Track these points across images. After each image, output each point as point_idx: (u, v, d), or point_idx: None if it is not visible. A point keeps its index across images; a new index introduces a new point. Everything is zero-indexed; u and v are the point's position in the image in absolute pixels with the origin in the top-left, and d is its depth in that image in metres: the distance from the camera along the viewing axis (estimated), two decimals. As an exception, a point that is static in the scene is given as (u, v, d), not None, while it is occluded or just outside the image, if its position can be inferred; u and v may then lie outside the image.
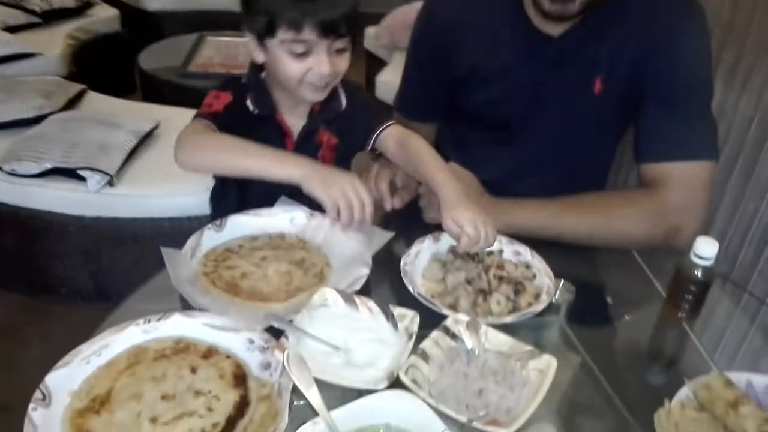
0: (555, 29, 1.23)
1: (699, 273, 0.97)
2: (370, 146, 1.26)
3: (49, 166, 2.00)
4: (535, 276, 1.06)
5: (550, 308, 1.03)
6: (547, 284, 1.03)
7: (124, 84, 3.19)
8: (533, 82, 1.27)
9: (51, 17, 3.24)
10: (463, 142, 1.34)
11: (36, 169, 2.00)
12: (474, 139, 1.22)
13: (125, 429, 0.78)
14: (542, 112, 1.27)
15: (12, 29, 2.98)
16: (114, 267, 2.13)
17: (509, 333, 0.92)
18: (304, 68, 1.12)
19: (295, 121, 1.26)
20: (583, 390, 0.95)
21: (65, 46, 3.01)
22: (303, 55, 1.11)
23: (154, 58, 3.02)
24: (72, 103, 2.44)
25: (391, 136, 1.24)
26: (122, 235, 2.07)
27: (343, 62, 1.16)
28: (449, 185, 1.09)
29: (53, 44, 2.94)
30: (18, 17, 3.09)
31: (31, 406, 0.78)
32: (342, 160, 1.30)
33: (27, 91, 2.31)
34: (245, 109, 1.22)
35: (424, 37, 1.39)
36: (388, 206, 1.24)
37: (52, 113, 2.27)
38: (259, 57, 1.18)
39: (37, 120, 2.23)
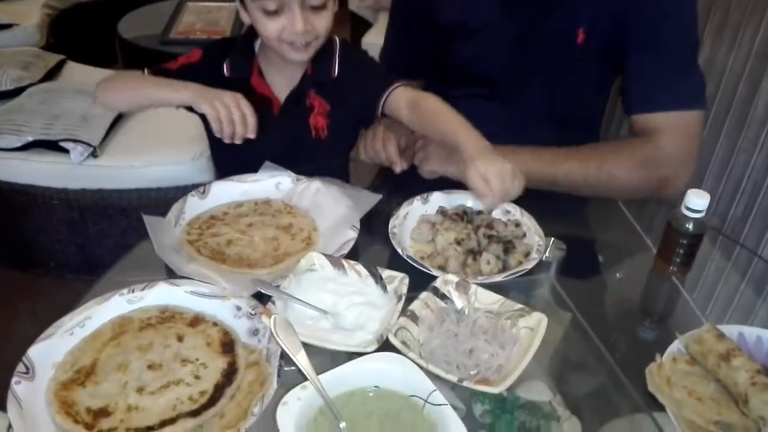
0: None
1: (690, 226, 0.96)
2: (379, 113, 1.21)
3: (30, 138, 1.96)
4: (524, 234, 1.04)
5: (541, 266, 1.02)
6: (537, 242, 1.01)
7: (104, 53, 3.11)
8: (516, 34, 1.24)
9: (26, -14, 3.13)
10: (450, 101, 1.32)
11: (17, 143, 1.96)
12: (461, 97, 1.19)
13: (111, 400, 0.77)
14: (527, 65, 1.25)
15: (-14, 0, 2.90)
16: (101, 239, 2.10)
17: (500, 292, 0.91)
18: (279, 27, 1.10)
19: (283, 85, 1.23)
20: (575, 347, 0.94)
21: (42, 16, 2.92)
22: (276, 13, 1.09)
23: (133, 25, 2.93)
24: (51, 74, 2.37)
25: (402, 98, 1.18)
26: (108, 206, 2.04)
27: (321, 20, 1.12)
28: (473, 138, 1.03)
29: (30, 14, 2.85)
30: (-9, -13, 3.00)
31: (14, 379, 0.77)
32: (339, 126, 1.26)
33: (4, 63, 2.24)
34: (216, 71, 1.20)
35: None
36: (398, 168, 1.21)
37: (30, 85, 2.22)
38: (245, 17, 1.15)
39: (16, 92, 2.17)
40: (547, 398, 0.81)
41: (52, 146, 1.96)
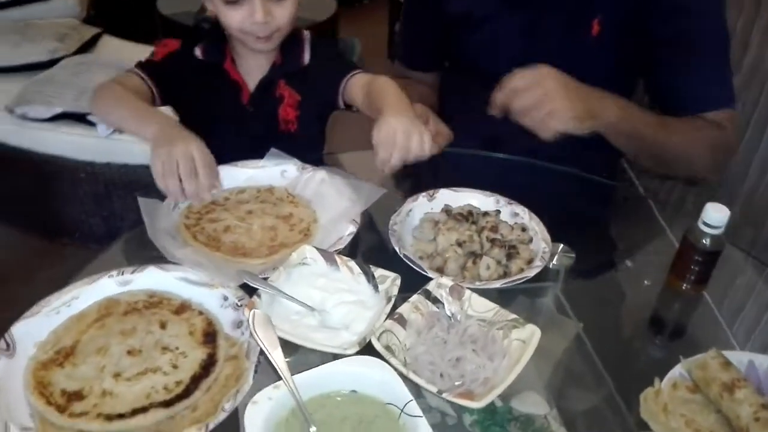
0: None
1: (707, 241, 0.90)
2: (341, 102, 1.21)
3: (59, 110, 1.98)
4: (531, 240, 0.99)
5: (548, 274, 0.97)
6: (542, 249, 0.96)
7: (144, 28, 3.14)
8: (527, 22, 1.19)
9: (72, -42, 3.17)
10: (465, 94, 1.27)
11: (46, 113, 1.98)
12: (475, 90, 1.15)
13: (86, 383, 0.76)
14: (539, 56, 1.20)
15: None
16: (125, 213, 2.12)
17: (499, 300, 0.87)
18: (240, 17, 1.08)
19: (253, 73, 1.21)
20: (577, 361, 0.90)
21: (84, -12, 2.95)
22: (235, 4, 1.07)
23: (173, 2, 2.96)
24: (86, 47, 2.39)
25: (357, 84, 1.16)
26: (132, 181, 2.05)
27: (282, 10, 1.10)
28: (395, 106, 1.00)
29: (72, -15, 2.88)
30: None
31: (-8, 356, 0.77)
32: (309, 118, 1.24)
33: (41, 34, 2.27)
34: (191, 57, 1.19)
35: None
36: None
37: (65, 56, 2.24)
38: (209, 5, 1.13)
39: (50, 63, 2.20)
40: (543, 412, 0.77)
41: (81, 119, 1.98)
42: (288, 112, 1.22)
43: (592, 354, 0.88)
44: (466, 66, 1.29)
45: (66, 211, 2.18)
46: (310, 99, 1.22)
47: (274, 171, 1.13)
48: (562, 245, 1.00)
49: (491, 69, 1.25)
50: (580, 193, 1.13)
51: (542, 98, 1.01)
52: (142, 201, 0.98)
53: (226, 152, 1.11)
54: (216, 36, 1.19)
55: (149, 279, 0.91)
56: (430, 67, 1.39)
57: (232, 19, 1.09)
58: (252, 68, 1.21)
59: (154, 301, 0.88)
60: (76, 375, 0.77)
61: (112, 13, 3.05)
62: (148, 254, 0.94)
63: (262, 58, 1.20)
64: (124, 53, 2.42)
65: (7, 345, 0.79)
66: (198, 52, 1.19)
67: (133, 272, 0.91)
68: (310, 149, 1.25)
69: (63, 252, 2.19)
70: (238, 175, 1.11)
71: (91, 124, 1.96)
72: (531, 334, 0.80)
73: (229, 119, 1.15)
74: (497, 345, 0.80)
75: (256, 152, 1.14)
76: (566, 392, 0.85)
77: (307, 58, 1.21)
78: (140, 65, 1.19)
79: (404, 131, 0.94)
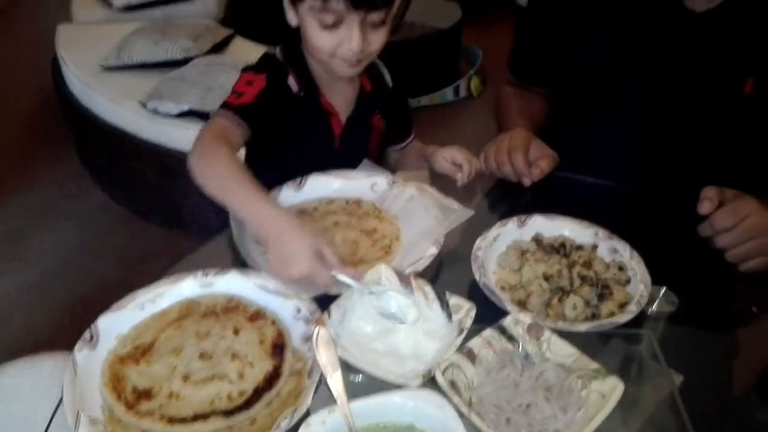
0: (698, 1, 1.03)
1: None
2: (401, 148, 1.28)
3: (186, 107, 2.10)
4: (628, 281, 0.90)
5: (644, 319, 0.88)
6: (640, 292, 0.87)
7: (275, 31, 3.26)
8: (666, 61, 1.10)
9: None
10: (580, 120, 1.20)
11: (175, 110, 2.11)
12: (591, 119, 1.08)
13: (157, 383, 0.78)
14: (674, 98, 1.10)
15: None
16: (237, 210, 2.22)
17: (583, 344, 0.80)
18: (335, 41, 1.01)
19: (338, 101, 1.15)
20: (668, 425, 0.80)
21: (223, -10, 3.12)
22: (333, 27, 1.00)
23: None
24: (218, 47, 2.53)
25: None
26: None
27: (379, 38, 1.04)
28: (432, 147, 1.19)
29: (212, -13, 3.05)
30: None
31: (77, 345, 0.81)
32: (383, 146, 1.24)
33: (177, 33, 2.42)
34: (286, 90, 1.11)
35: None
36: (527, 181, 1.13)
37: (197, 56, 2.37)
38: (292, 19, 1.06)
39: (184, 62, 2.34)
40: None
41: (205, 117, 2.08)
42: (374, 141, 1.20)
43: (686, 415, 0.78)
44: (588, 90, 1.22)
45: (187, 204, 2.31)
46: (389, 126, 1.21)
47: (365, 183, 1.11)
48: (664, 289, 0.90)
49: (620, 98, 1.18)
50: (695, 231, 1.01)
51: (758, 248, 0.95)
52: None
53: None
54: (299, 65, 1.12)
55: (230, 283, 0.92)
56: (545, 83, 1.32)
57: (326, 43, 1.02)
58: (339, 96, 1.15)
59: (231, 306, 0.90)
60: (149, 373, 0.80)
61: (249, 15, 3.20)
62: (234, 257, 0.97)
63: (347, 83, 1.16)
64: (252, 55, 2.51)
65: (92, 336, 0.83)
66: (293, 84, 1.11)
67: (215, 275, 0.93)
68: None
69: (181, 242, 2.33)
70: (330, 185, 1.11)
71: (213, 122, 2.06)
72: (613, 388, 0.73)
73: (320, 149, 1.09)
74: (574, 395, 0.73)
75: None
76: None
77: (390, 81, 1.18)
78: (233, 108, 1.05)
79: (462, 153, 1.14)
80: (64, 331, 1.92)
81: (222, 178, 0.97)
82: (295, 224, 0.89)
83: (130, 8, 2.80)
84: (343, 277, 0.84)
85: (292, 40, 1.10)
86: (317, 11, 0.99)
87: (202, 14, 2.90)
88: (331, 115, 1.15)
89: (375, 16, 1.00)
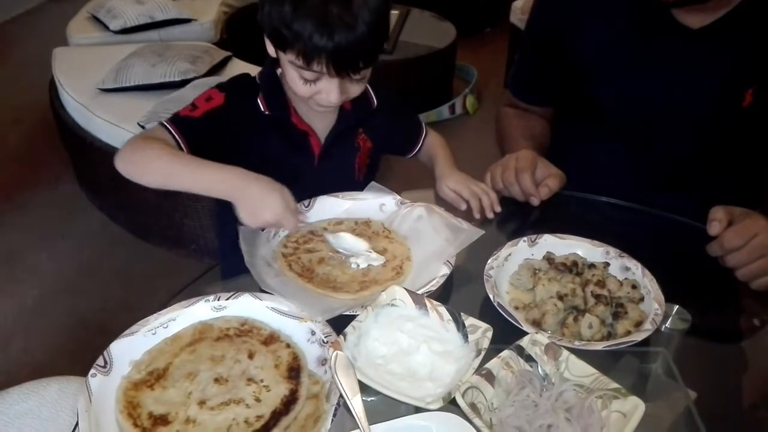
0: (694, 19, 1.05)
1: None
2: (412, 155, 1.29)
3: (184, 129, 2.09)
4: (642, 299, 0.91)
5: (659, 337, 0.88)
6: (654, 310, 0.88)
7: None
8: (663, 80, 1.10)
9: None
10: (582, 140, 1.20)
11: (173, 131, 2.11)
12: (593, 139, 1.08)
13: (173, 408, 0.77)
14: (675, 117, 1.10)
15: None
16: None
17: (600, 363, 0.80)
18: (313, 91, 1.01)
19: (315, 122, 1.14)
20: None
21: (219, 13, 3.13)
22: (313, 81, 1.00)
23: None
24: (216, 69, 2.53)
25: (429, 144, 1.28)
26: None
27: (357, 88, 1.05)
28: (442, 162, 1.22)
29: (208, 11, 3.06)
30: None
31: (90, 372, 0.80)
32: (374, 165, 1.23)
33: (175, 56, 2.43)
34: (254, 108, 1.10)
35: (540, 18, 1.27)
36: (535, 201, 1.13)
37: (195, 78, 2.38)
38: (270, 51, 1.05)
39: (182, 84, 2.34)
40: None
41: (204, 138, 2.08)
42: (362, 161, 1.19)
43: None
44: (589, 114, 1.22)
45: (185, 224, 2.30)
46: (378, 144, 1.21)
47: (373, 204, 1.12)
48: (677, 307, 0.91)
49: (619, 122, 1.18)
50: (704, 249, 1.02)
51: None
52: (242, 230, 0.99)
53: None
54: (273, 88, 1.11)
55: (243, 306, 0.92)
56: (545, 104, 1.33)
57: (305, 92, 1.02)
58: (316, 116, 1.13)
59: (245, 329, 0.89)
60: (165, 399, 0.79)
61: (245, 37, 3.22)
62: (244, 281, 0.97)
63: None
64: (249, 76, 2.54)
65: (105, 362, 0.82)
66: (261, 105, 1.10)
67: (228, 298, 0.92)
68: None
69: (180, 262, 2.32)
70: (339, 206, 1.11)
71: (213, 142, 2.06)
72: (634, 407, 0.72)
73: (299, 168, 1.09)
74: (594, 416, 0.73)
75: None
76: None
77: (375, 100, 1.17)
78: (176, 121, 1.06)
79: (465, 185, 1.16)
80: (65, 353, 1.90)
81: (163, 162, 0.99)
82: (257, 175, 0.95)
83: (126, 31, 2.80)
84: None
85: (273, 61, 1.09)
86: (298, 67, 0.98)
87: (198, 36, 2.92)
88: (308, 135, 1.14)
89: (356, 75, 1.00)
